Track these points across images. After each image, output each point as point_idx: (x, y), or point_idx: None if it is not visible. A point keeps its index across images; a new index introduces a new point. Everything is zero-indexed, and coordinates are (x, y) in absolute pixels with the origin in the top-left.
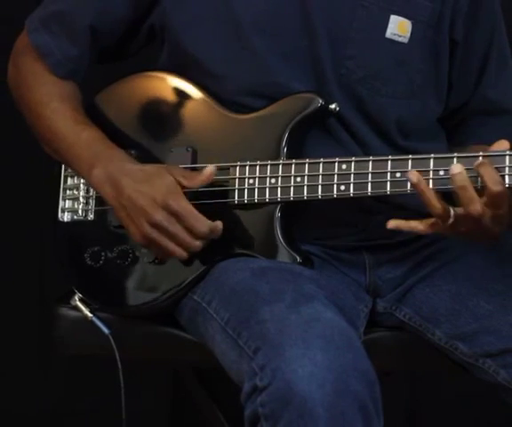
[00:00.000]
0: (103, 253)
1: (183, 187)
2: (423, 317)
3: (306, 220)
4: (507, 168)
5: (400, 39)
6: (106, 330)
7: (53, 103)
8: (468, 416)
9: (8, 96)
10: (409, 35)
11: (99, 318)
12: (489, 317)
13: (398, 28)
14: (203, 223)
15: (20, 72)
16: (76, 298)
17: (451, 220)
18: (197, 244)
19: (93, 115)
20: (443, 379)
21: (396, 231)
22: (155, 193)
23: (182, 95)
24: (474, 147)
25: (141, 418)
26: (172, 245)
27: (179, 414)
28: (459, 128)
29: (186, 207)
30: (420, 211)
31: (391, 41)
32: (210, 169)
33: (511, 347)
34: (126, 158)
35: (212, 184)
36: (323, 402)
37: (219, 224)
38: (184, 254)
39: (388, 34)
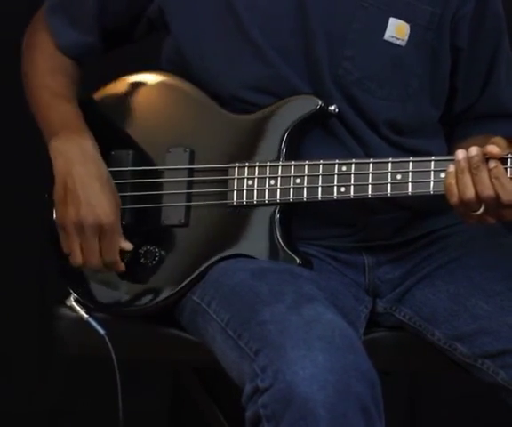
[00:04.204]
0: None
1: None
2: (422, 317)
3: (304, 220)
4: (508, 170)
5: (398, 42)
6: (101, 331)
7: (40, 77)
8: (468, 416)
9: (7, 97)
10: (407, 38)
11: (94, 318)
12: (488, 317)
13: (396, 30)
14: (112, 252)
15: (30, 42)
16: (72, 298)
17: (481, 209)
18: (96, 263)
19: (91, 112)
20: (443, 379)
21: (396, 231)
22: (100, 200)
23: (181, 95)
24: (477, 139)
25: (141, 418)
26: (76, 250)
27: (179, 414)
28: (463, 124)
29: (115, 231)
30: (420, 209)
31: (389, 43)
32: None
33: (510, 348)
34: (93, 144)
35: (211, 185)
36: (324, 403)
37: (122, 267)
38: (78, 261)
39: (387, 36)
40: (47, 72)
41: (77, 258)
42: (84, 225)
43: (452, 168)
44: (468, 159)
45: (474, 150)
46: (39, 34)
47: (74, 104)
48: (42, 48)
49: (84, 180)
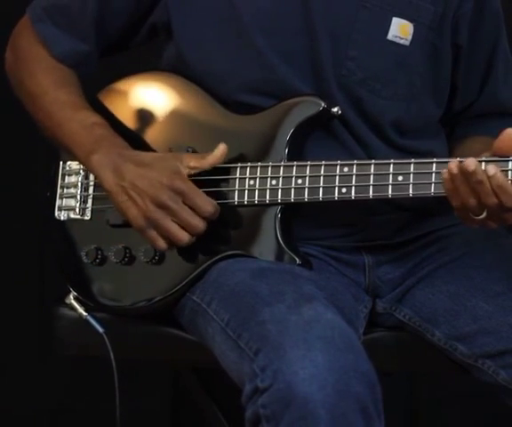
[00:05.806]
0: (99, 252)
1: (194, 168)
2: (422, 317)
3: (305, 220)
4: (510, 172)
5: (402, 41)
6: (100, 329)
7: (50, 93)
8: (468, 416)
9: (5, 95)
10: (410, 37)
11: (94, 316)
12: (488, 318)
13: (400, 30)
14: (208, 202)
15: (20, 57)
16: (71, 297)
17: (484, 214)
18: (201, 225)
19: None
20: (443, 379)
21: (396, 231)
22: (159, 175)
23: (183, 95)
24: (476, 139)
25: (141, 418)
26: (175, 227)
27: (179, 414)
28: (462, 123)
29: (191, 186)
30: (421, 211)
31: (393, 43)
32: (222, 147)
33: (510, 348)
34: (127, 145)
35: (212, 185)
36: (324, 403)
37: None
38: (186, 238)
39: (390, 36)
40: (55, 86)
41: (180, 235)
42: (165, 201)
43: (446, 175)
44: (466, 176)
45: (472, 165)
46: (29, 48)
47: (91, 111)
48: (39, 62)
49: (136, 174)
